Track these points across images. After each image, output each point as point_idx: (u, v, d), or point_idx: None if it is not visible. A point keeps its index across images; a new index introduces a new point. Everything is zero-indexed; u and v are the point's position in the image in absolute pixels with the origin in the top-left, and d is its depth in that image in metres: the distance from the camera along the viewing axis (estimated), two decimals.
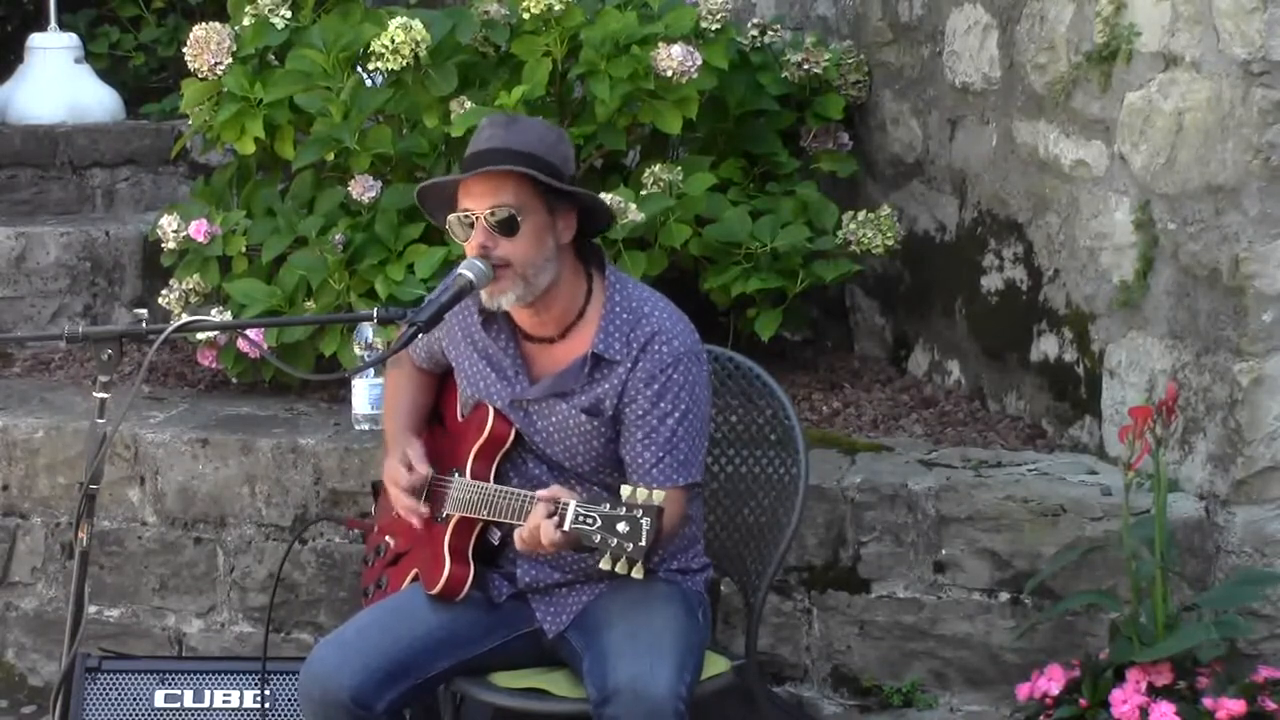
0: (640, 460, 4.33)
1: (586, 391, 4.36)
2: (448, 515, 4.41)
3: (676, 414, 4.33)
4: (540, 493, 4.20)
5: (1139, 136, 5.14)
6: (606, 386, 4.36)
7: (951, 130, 5.97)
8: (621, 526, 4.04)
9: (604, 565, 4.06)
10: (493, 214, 4.28)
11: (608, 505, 4.08)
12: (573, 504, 4.10)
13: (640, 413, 4.33)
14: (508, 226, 4.28)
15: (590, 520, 4.07)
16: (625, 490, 4.09)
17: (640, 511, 4.04)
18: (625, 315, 4.37)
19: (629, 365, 4.34)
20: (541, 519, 4.14)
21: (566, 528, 4.09)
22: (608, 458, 4.38)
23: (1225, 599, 4.84)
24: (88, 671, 4.97)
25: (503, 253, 4.28)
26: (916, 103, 6.14)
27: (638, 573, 4.05)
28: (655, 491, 4.07)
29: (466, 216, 4.31)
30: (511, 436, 4.41)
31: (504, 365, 4.43)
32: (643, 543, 4.02)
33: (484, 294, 4.32)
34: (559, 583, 4.43)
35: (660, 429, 4.32)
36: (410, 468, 4.48)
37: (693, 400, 4.35)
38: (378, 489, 4.72)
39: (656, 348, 4.34)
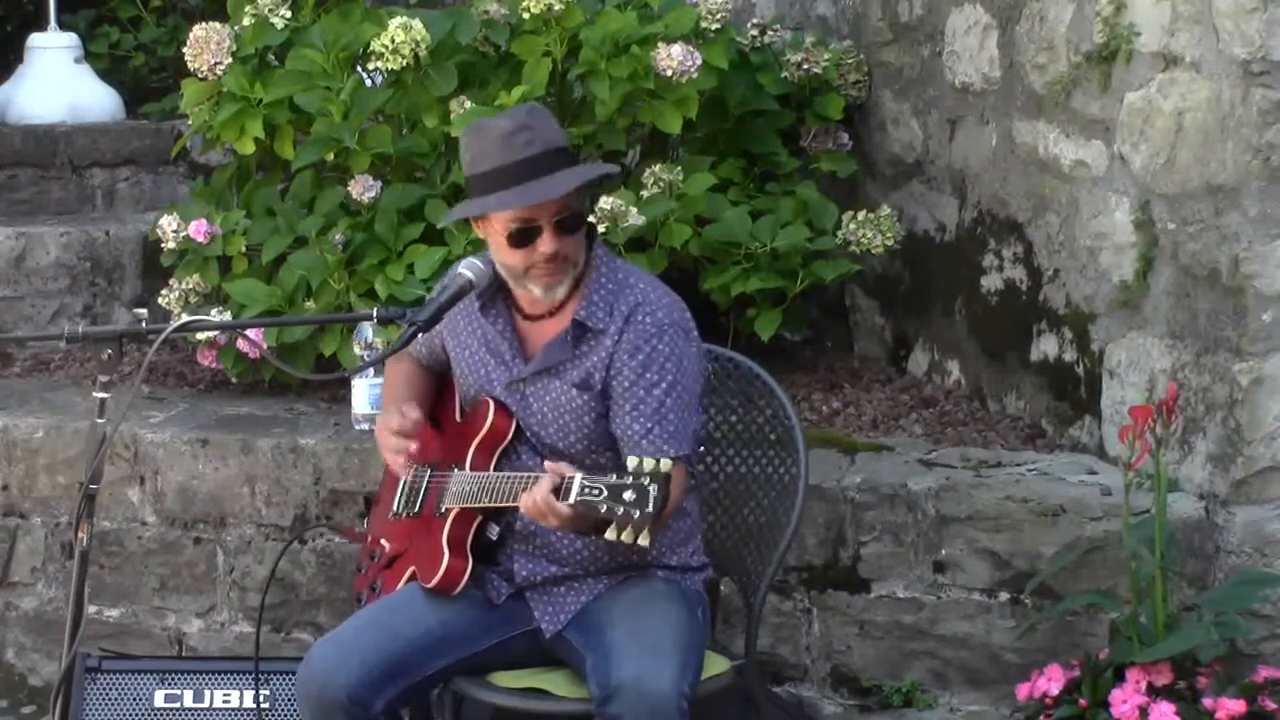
0: (630, 432, 4.31)
1: (576, 365, 4.36)
2: (446, 509, 4.42)
3: (664, 384, 4.32)
4: (547, 464, 4.19)
5: (1139, 136, 5.14)
6: (595, 359, 4.36)
7: (951, 130, 5.97)
8: (628, 495, 4.01)
9: (610, 535, 4.02)
10: (562, 219, 4.29)
11: (614, 476, 4.06)
12: (578, 477, 4.09)
13: (627, 384, 4.32)
14: (574, 226, 4.31)
15: (596, 491, 4.04)
16: (631, 461, 4.06)
17: (648, 479, 4.01)
18: (610, 286, 4.38)
19: (615, 337, 4.34)
20: (547, 489, 4.11)
21: (573, 500, 4.07)
22: (600, 435, 4.37)
23: (1225, 600, 4.83)
24: (88, 671, 4.97)
25: (565, 250, 4.30)
26: (916, 103, 6.14)
27: (644, 539, 4.01)
28: (663, 461, 4.05)
29: (529, 225, 4.28)
30: (512, 430, 4.41)
31: (501, 348, 4.43)
32: (650, 509, 3.99)
33: (536, 289, 4.33)
34: (557, 578, 4.43)
35: (648, 399, 4.31)
36: (403, 415, 4.47)
37: (680, 372, 4.34)
38: (370, 502, 4.70)
39: (640, 318, 4.34)
